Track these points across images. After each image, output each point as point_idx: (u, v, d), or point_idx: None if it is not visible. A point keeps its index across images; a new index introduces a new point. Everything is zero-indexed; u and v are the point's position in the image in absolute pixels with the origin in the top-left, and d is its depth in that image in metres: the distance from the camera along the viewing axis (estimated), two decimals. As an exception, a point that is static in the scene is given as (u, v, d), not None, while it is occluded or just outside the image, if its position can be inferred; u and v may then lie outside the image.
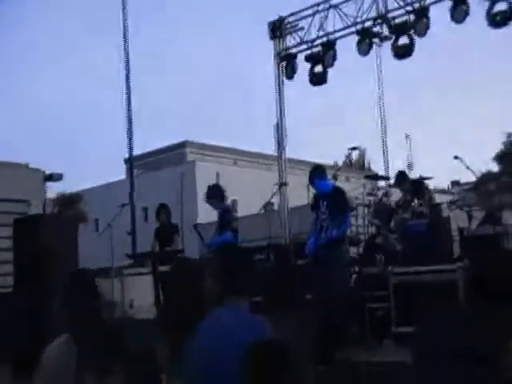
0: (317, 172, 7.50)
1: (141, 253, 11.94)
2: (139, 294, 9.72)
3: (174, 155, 41.45)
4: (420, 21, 10.54)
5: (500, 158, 33.61)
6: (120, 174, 41.64)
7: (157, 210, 10.14)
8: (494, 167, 33.07)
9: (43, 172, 12.35)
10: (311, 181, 7.45)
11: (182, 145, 42.20)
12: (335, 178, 10.51)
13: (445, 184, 35.23)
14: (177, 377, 3.06)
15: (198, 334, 3.05)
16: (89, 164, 71.78)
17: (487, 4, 9.86)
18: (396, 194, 10.76)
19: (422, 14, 10.54)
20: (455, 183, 24.15)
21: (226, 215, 8.34)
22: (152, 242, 9.93)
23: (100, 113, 75.02)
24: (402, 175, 9.52)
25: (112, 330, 3.18)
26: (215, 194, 8.44)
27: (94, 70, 79.74)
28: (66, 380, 2.94)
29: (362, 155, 57.87)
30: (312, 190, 7.82)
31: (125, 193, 18.83)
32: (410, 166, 10.32)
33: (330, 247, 7.03)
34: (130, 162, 19.47)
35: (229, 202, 9.13)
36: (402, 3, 10.87)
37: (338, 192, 7.38)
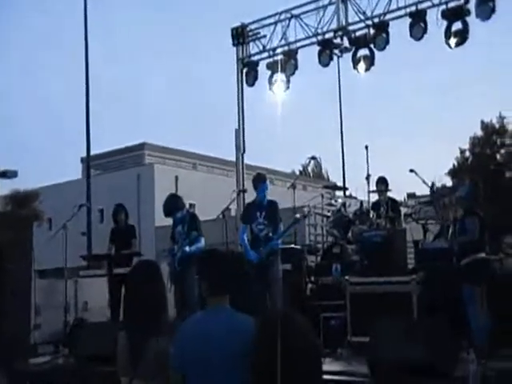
0: (261, 180, 7.56)
1: (96, 254, 11.76)
2: (93, 297, 9.58)
3: (132, 157, 40.91)
4: (379, 35, 10.71)
5: (454, 172, 34.44)
6: (76, 173, 41.12)
7: (114, 210, 9.72)
8: (448, 181, 33.90)
9: (-4, 168, 12.08)
10: (255, 187, 7.56)
11: (141, 146, 41.64)
12: (294, 187, 10.58)
13: (401, 196, 35.66)
14: (138, 379, 3.08)
15: (179, 335, 3.15)
16: (44, 162, 70.43)
17: (445, 23, 10.08)
18: (354, 205, 10.88)
19: (382, 28, 10.71)
20: (411, 195, 24.45)
21: (196, 219, 8.14)
22: (107, 243, 9.54)
23: (58, 109, 73.57)
24: (383, 180, 9.41)
25: None
26: (176, 205, 8.26)
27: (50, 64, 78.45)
28: None
29: (319, 165, 58.34)
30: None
31: (80, 193, 18.58)
32: (367, 177, 10.35)
33: (274, 256, 7.34)
34: (87, 161, 19.22)
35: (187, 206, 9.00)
36: (362, 17, 11.02)
37: (275, 204, 7.56)
